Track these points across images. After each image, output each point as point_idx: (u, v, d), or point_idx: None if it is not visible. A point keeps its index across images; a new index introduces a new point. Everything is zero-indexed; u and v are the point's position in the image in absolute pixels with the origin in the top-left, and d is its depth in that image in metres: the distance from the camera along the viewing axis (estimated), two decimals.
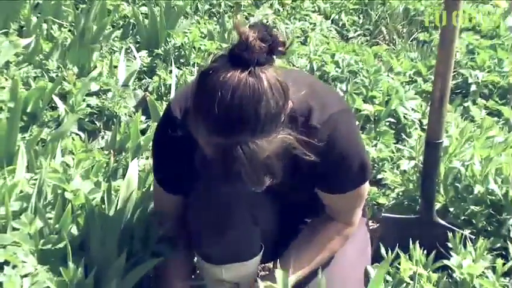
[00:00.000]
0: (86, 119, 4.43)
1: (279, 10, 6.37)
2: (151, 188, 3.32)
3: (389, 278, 3.30)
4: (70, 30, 5.18)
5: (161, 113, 4.26)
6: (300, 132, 2.55)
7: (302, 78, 2.73)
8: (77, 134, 4.22)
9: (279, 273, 2.63)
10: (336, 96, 3.25)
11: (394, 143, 4.65)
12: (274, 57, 2.40)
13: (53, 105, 4.37)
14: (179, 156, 2.79)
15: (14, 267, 2.81)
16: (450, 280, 3.26)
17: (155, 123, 4.21)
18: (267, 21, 6.11)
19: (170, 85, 4.80)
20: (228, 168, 2.38)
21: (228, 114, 2.30)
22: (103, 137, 4.34)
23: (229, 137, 2.34)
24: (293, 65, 5.20)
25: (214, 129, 2.36)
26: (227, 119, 2.31)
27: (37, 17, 5.22)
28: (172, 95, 4.69)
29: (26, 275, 2.80)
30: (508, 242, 3.57)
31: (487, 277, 3.25)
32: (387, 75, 5.30)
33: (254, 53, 2.30)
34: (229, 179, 2.44)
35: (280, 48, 2.38)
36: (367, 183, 3.06)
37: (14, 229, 3.03)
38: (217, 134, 2.36)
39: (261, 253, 2.88)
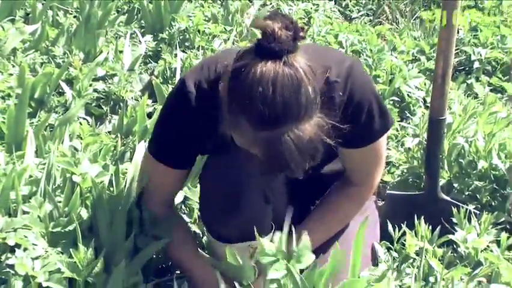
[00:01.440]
0: (93, 104, 4.45)
1: None
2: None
3: (395, 254, 3.32)
4: (75, 17, 5.20)
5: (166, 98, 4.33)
6: (322, 91, 2.52)
7: (307, 46, 2.61)
8: (84, 119, 4.24)
9: (304, 238, 2.58)
10: (341, 52, 3.33)
11: (398, 121, 4.66)
12: (301, 39, 2.38)
13: (60, 90, 4.38)
14: (189, 131, 2.84)
15: (25, 249, 2.83)
16: (455, 255, 3.28)
17: (161, 106, 4.26)
18: (271, 4, 6.11)
19: (175, 68, 4.81)
20: (276, 159, 2.40)
21: (272, 108, 2.30)
22: (110, 121, 4.35)
23: (275, 129, 2.35)
24: None
25: (260, 123, 2.36)
26: (272, 113, 2.31)
27: (42, 4, 5.23)
28: (178, 78, 4.69)
29: (37, 257, 2.81)
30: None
31: (491, 251, 3.27)
32: (391, 54, 5.31)
33: (283, 43, 2.31)
34: (275, 170, 2.52)
35: (301, 34, 2.37)
36: (385, 143, 3.12)
37: (24, 213, 3.05)
38: (263, 129, 2.36)
39: (272, 233, 2.87)
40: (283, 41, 2.30)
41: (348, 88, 2.79)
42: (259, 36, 2.36)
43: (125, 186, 3.22)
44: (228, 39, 5.32)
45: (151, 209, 3.10)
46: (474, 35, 5.61)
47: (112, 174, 3.27)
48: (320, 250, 2.88)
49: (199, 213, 3.36)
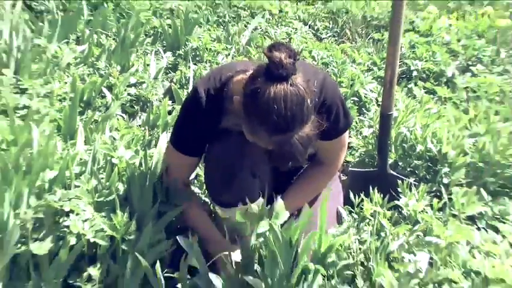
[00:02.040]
0: (127, 104, 4.45)
1: (269, 19, 6.35)
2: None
3: (355, 216, 3.34)
4: (113, 39, 5.18)
5: (183, 99, 4.31)
6: (316, 111, 2.71)
7: (312, 72, 2.87)
8: (120, 116, 4.25)
9: (279, 202, 2.67)
10: (314, 66, 3.38)
11: (357, 116, 4.67)
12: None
13: (102, 94, 4.37)
14: (199, 127, 2.96)
15: (76, 214, 2.85)
16: (400, 215, 3.31)
17: (179, 106, 4.27)
18: (261, 28, 6.10)
19: (189, 77, 4.81)
20: (286, 154, 2.58)
21: (284, 119, 2.45)
22: (140, 117, 4.35)
23: (286, 134, 2.51)
24: None
25: (275, 131, 2.51)
26: (284, 123, 2.46)
27: (89, 30, 5.21)
28: (191, 84, 4.70)
29: (85, 220, 2.83)
30: (442, 186, 3.61)
31: (426, 212, 3.29)
32: (351, 66, 5.32)
33: (288, 69, 2.43)
34: (286, 161, 2.65)
35: (298, 57, 2.49)
36: (347, 135, 3.23)
37: (75, 187, 3.07)
38: (277, 134, 2.51)
39: (260, 199, 2.90)
40: (288, 67, 2.43)
41: (322, 95, 2.92)
42: (266, 61, 2.48)
43: (151, 166, 3.26)
44: (229, 54, 5.32)
45: (172, 184, 3.16)
46: (412, 51, 5.62)
47: (141, 157, 3.31)
48: (298, 212, 2.99)
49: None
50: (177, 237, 2.76)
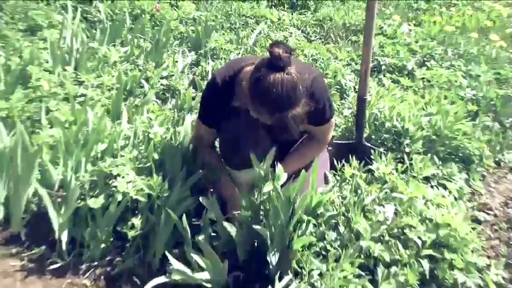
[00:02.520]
0: (160, 92, 4.43)
1: (270, 25, 6.32)
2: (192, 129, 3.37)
3: (338, 178, 3.32)
4: (149, 42, 5.15)
5: (203, 88, 4.31)
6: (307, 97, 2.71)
7: (303, 68, 2.80)
8: (155, 101, 4.22)
9: (279, 167, 2.72)
10: (310, 66, 3.38)
11: (340, 100, 4.64)
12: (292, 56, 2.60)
13: (141, 85, 4.35)
14: (217, 105, 3.01)
15: (122, 177, 2.84)
16: (372, 177, 3.29)
17: (201, 94, 4.23)
18: (264, 32, 6.06)
19: (208, 71, 4.78)
20: (283, 129, 2.63)
21: (282, 100, 2.53)
22: (170, 102, 4.33)
23: (283, 112, 2.56)
24: None
25: (274, 110, 2.57)
26: (282, 103, 2.54)
27: (131, 35, 5.18)
28: (209, 76, 4.66)
29: (129, 182, 2.82)
30: (404, 154, 3.60)
31: (393, 174, 3.28)
32: (334, 61, 5.27)
33: (284, 61, 2.52)
34: (282, 135, 2.67)
35: (293, 53, 2.59)
36: (333, 121, 3.25)
37: (121, 156, 3.07)
38: (276, 112, 2.57)
39: (273, 149, 2.87)
40: (284, 60, 2.52)
41: (313, 88, 2.89)
42: (268, 55, 2.55)
43: (179, 139, 3.28)
44: (239, 53, 5.28)
45: (199, 148, 3.22)
46: (381, 50, 5.57)
47: (171, 133, 3.31)
48: (295, 176, 2.92)
49: None
50: (200, 198, 2.80)
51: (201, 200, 2.79)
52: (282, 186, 2.68)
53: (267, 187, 2.63)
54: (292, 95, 2.55)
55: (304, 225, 2.70)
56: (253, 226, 2.65)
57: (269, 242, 2.63)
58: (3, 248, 2.85)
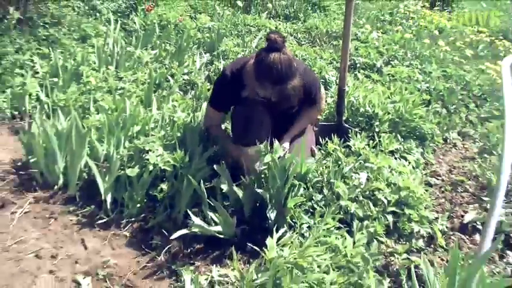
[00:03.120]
0: (183, 85, 4.39)
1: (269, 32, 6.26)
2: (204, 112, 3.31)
3: (323, 152, 3.28)
4: (174, 46, 5.10)
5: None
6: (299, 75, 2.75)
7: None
8: (179, 92, 4.18)
9: (276, 143, 2.74)
10: (301, 62, 3.33)
11: (325, 91, 4.57)
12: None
13: (167, 79, 4.32)
14: (227, 93, 2.98)
15: (153, 152, 2.83)
16: (350, 151, 3.23)
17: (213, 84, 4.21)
18: (262, 36, 6.00)
19: (220, 68, 4.72)
20: (283, 97, 2.70)
21: (281, 74, 2.62)
22: (190, 93, 4.29)
23: (283, 84, 2.64)
24: None
25: (276, 82, 2.65)
26: (281, 76, 2.62)
27: (159, 41, 5.14)
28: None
29: (158, 155, 2.80)
30: (375, 133, 3.56)
31: (366, 149, 3.23)
32: (320, 60, 5.21)
33: (279, 44, 2.62)
34: (284, 105, 2.85)
35: (285, 40, 2.67)
36: (323, 93, 3.39)
37: (152, 135, 3.04)
38: (277, 84, 2.65)
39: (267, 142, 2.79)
40: (279, 43, 2.63)
41: (304, 78, 2.87)
42: (267, 42, 2.66)
43: (197, 122, 3.21)
44: (244, 54, 5.22)
45: (209, 128, 3.15)
46: (356, 52, 5.51)
47: (191, 117, 3.26)
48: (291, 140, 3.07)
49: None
50: (214, 166, 2.78)
51: (215, 168, 2.77)
52: (279, 158, 2.65)
53: (267, 158, 2.60)
54: (289, 70, 2.62)
55: (296, 188, 2.68)
56: (256, 189, 2.65)
57: (268, 201, 2.62)
58: (63, 207, 2.88)
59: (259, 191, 2.64)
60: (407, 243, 2.70)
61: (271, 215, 2.63)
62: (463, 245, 2.78)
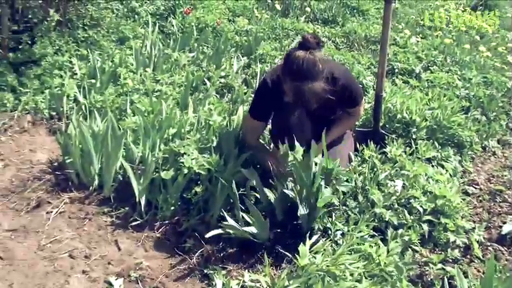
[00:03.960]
0: (219, 88, 4.38)
1: None
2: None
3: (359, 158, 3.25)
4: (211, 49, 5.10)
5: (254, 86, 4.45)
6: (325, 80, 2.69)
7: (326, 59, 2.85)
8: (215, 95, 4.17)
9: (313, 146, 2.65)
10: (340, 64, 3.36)
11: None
12: (321, 47, 2.65)
13: (204, 82, 4.33)
14: (268, 101, 2.94)
15: (188, 155, 2.84)
16: (386, 158, 3.20)
17: (251, 90, 4.29)
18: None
19: (257, 72, 4.70)
20: (300, 96, 2.65)
21: (300, 72, 2.58)
22: (226, 96, 4.28)
23: (301, 81, 2.60)
24: None
25: (294, 79, 2.63)
26: (300, 73, 2.59)
27: (196, 44, 5.15)
28: (259, 78, 4.62)
29: (193, 159, 2.82)
30: (411, 140, 3.51)
31: (402, 156, 3.20)
32: (358, 65, 5.16)
33: (310, 43, 2.60)
34: (299, 102, 2.70)
35: (321, 43, 2.64)
36: (363, 103, 3.23)
37: (187, 138, 3.05)
38: (295, 81, 2.62)
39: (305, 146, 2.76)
40: (311, 43, 2.60)
41: (344, 81, 2.89)
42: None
43: (233, 125, 3.21)
44: (281, 58, 5.21)
45: (247, 137, 3.10)
46: (395, 57, 5.43)
47: (227, 121, 3.25)
48: (328, 147, 2.92)
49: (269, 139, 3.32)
50: (242, 170, 2.80)
51: (243, 172, 2.78)
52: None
53: (290, 158, 2.60)
54: (311, 69, 2.58)
55: (323, 187, 2.62)
56: (284, 190, 2.65)
57: (299, 202, 2.60)
58: (97, 208, 2.92)
59: (287, 191, 2.63)
60: (442, 253, 2.67)
61: (303, 215, 2.60)
62: (501, 257, 2.73)
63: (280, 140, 2.82)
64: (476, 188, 3.42)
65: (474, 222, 3.00)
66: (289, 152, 2.62)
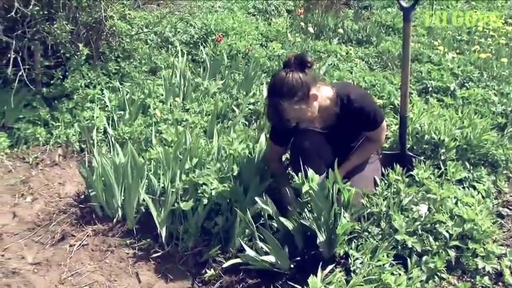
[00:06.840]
0: (248, 115, 4.37)
1: (340, 58, 6.14)
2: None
3: (385, 181, 3.16)
4: (242, 75, 5.10)
5: None
6: (341, 103, 2.82)
7: (346, 84, 3.22)
8: (244, 122, 4.18)
9: (331, 173, 2.56)
10: (358, 88, 3.41)
11: (393, 117, 4.40)
12: (307, 68, 2.65)
13: (233, 109, 4.34)
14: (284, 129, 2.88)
15: (207, 185, 2.83)
16: (413, 180, 3.10)
17: None
18: (334, 64, 5.90)
19: None
20: (273, 114, 2.67)
21: (274, 89, 2.65)
22: (254, 123, 4.27)
23: (273, 98, 2.64)
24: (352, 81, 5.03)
25: (268, 94, 2.71)
26: (273, 91, 2.65)
27: (227, 71, 5.17)
28: None
29: (213, 189, 2.81)
30: (440, 161, 3.41)
31: (431, 178, 3.10)
32: (389, 85, 5.08)
33: (290, 64, 2.64)
34: (268, 119, 2.79)
35: (306, 64, 2.64)
36: (384, 124, 3.14)
37: (207, 168, 3.04)
38: (270, 96, 2.68)
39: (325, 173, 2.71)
40: (291, 64, 2.63)
41: (359, 104, 2.86)
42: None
43: (255, 154, 3.17)
44: None
45: (269, 163, 3.11)
46: (429, 75, 5.32)
47: (251, 148, 3.26)
48: (352, 172, 2.99)
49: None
50: (256, 198, 2.75)
51: (257, 200, 2.74)
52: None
53: (305, 188, 2.54)
54: (283, 89, 2.58)
55: (341, 214, 2.57)
56: (301, 221, 2.61)
57: (317, 230, 2.54)
58: (120, 240, 2.95)
59: (303, 222, 2.58)
60: (471, 280, 2.57)
61: (322, 243, 2.54)
62: None
63: (296, 167, 2.79)
64: (510, 210, 3.28)
65: (508, 246, 2.87)
66: (304, 180, 2.57)
